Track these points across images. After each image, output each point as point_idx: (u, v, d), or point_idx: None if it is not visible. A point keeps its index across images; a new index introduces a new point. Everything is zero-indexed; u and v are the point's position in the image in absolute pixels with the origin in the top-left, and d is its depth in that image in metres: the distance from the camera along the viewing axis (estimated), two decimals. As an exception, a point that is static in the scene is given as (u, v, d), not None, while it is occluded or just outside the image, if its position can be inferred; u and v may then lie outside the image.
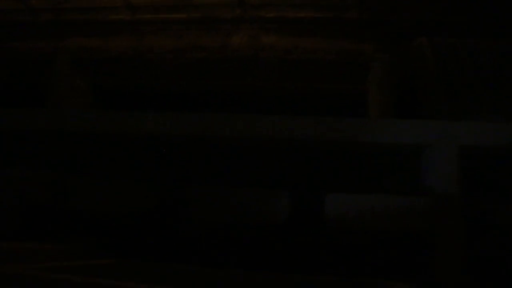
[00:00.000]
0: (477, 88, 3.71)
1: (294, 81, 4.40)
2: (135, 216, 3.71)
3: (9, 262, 2.44)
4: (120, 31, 4.90)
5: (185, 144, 3.45)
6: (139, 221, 3.70)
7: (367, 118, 4.04)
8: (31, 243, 3.38)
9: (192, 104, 4.62)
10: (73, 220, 3.92)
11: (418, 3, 4.35)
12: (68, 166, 4.09)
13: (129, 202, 3.76)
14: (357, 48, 4.26)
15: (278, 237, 3.43)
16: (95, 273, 2.72)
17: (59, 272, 2.34)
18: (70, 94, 4.97)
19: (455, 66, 3.77)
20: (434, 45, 3.88)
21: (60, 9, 5.24)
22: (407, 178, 3.38)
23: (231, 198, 3.21)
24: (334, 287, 2.88)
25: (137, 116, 3.62)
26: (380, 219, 3.33)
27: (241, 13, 4.51)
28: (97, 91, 5.04)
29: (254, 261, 3.43)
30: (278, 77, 4.39)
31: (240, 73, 4.51)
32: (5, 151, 4.22)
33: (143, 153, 3.67)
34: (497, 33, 4.11)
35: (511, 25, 4.16)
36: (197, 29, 4.61)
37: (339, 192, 3.30)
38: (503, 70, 3.77)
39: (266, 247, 3.42)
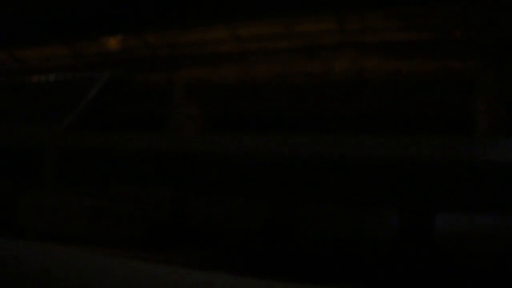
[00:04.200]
0: None
1: (398, 104, 4.46)
2: (249, 232, 3.97)
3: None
4: (228, 61, 5.32)
5: (295, 164, 3.67)
6: (252, 236, 3.96)
7: (475, 136, 3.99)
8: (159, 254, 3.73)
9: (297, 127, 4.86)
10: (190, 233, 4.28)
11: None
12: (186, 184, 4.50)
13: (242, 218, 4.05)
14: (463, 67, 4.23)
15: (386, 254, 3.49)
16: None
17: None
18: (185, 120, 5.48)
19: None
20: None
21: (174, 44, 5.82)
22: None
23: (341, 215, 3.35)
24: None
25: (244, 138, 3.94)
26: (493, 241, 3.26)
27: (342, 39, 4.70)
28: (209, 118, 5.49)
29: (360, 277, 3.50)
30: (381, 100, 4.48)
31: (343, 97, 4.67)
32: (132, 170, 4.75)
33: (255, 173, 3.95)
34: None
35: None
36: (300, 56, 4.87)
37: (449, 212, 3.31)
38: None
39: (374, 263, 3.48)
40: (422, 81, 4.39)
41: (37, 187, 4.62)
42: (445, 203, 3.47)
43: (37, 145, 5.05)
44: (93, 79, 5.82)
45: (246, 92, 5.20)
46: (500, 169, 3.37)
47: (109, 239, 3.76)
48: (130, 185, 4.58)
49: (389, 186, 3.48)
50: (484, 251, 3.32)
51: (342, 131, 3.86)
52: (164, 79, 5.79)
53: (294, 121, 4.84)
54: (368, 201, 3.48)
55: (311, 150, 3.53)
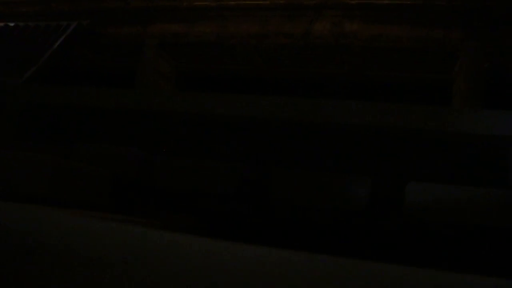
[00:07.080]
0: None
1: (377, 69, 4.36)
2: (219, 195, 3.88)
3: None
4: (205, 17, 5.07)
5: (270, 127, 3.56)
6: (221, 200, 3.88)
7: (453, 107, 3.95)
8: (122, 216, 3.63)
9: (273, 89, 4.72)
10: (157, 196, 4.18)
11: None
12: (154, 144, 4.35)
13: (212, 182, 3.95)
14: (445, 35, 4.13)
15: (357, 222, 3.47)
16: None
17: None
18: (156, 77, 5.25)
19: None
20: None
21: (148, -4, 5.51)
22: (494, 171, 3.29)
23: (315, 182, 3.28)
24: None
25: (218, 98, 3.78)
26: (463, 212, 3.27)
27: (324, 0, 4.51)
28: (180, 75, 5.28)
29: (330, 244, 3.49)
30: (361, 65, 4.37)
31: (323, 60, 4.53)
32: (98, 128, 4.56)
33: (227, 135, 3.83)
34: None
35: None
36: (280, 15, 4.67)
37: (421, 182, 3.28)
38: None
39: (344, 231, 3.47)
40: (402, 48, 4.28)
41: (-3, 142, 4.39)
42: (418, 173, 3.45)
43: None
44: (58, 28, 5.47)
45: (222, 51, 4.99)
46: (474, 141, 3.35)
47: (72, 199, 3.62)
48: (96, 144, 4.40)
49: (363, 155, 3.42)
50: (453, 222, 3.33)
51: (319, 95, 3.76)
52: (136, 32, 5.51)
53: (270, 83, 4.70)
54: (343, 169, 3.43)
55: (286, 113, 3.42)
